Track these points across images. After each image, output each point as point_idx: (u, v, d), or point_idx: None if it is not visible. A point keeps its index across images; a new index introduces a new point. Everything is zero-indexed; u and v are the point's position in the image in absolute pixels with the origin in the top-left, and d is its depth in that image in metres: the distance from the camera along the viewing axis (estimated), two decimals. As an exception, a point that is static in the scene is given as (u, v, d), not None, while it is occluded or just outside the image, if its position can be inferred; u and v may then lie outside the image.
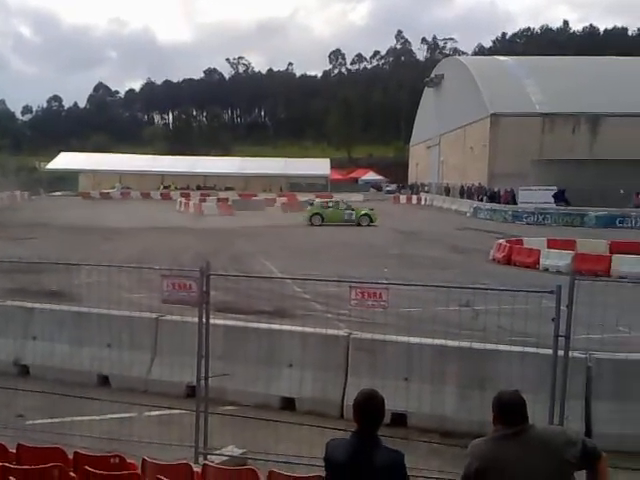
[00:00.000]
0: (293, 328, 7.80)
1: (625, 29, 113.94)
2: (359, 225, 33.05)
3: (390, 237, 27.20)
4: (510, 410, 3.14)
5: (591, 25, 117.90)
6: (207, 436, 5.63)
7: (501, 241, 21.70)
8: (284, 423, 6.34)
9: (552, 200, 38.64)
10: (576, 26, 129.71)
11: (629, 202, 37.12)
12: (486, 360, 6.83)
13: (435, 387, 6.67)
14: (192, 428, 5.65)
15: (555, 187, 38.90)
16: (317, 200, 39.89)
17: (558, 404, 5.25)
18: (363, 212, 34.70)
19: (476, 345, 7.36)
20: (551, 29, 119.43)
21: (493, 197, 44.06)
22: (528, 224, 35.19)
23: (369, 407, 3.21)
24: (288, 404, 7.15)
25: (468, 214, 42.12)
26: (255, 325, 8.22)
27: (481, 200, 45.15)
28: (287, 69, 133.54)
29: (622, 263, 17.63)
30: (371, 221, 33.81)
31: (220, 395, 6.71)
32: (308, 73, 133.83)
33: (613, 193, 36.37)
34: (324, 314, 11.11)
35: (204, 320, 5.74)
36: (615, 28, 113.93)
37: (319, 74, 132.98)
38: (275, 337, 7.56)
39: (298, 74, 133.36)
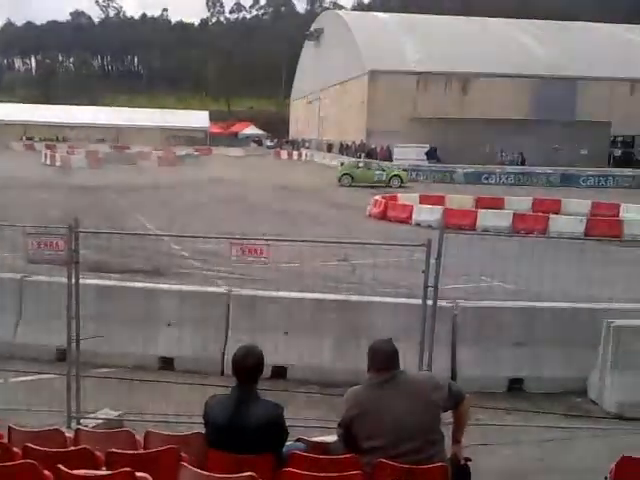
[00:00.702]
0: (170, 287, 7.64)
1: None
2: (389, 186, 31.11)
3: (271, 193, 27.17)
4: (382, 358, 3.30)
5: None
6: (79, 400, 5.42)
7: (377, 197, 22.41)
8: (163, 383, 6.25)
9: (425, 157, 40.31)
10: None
11: (494, 159, 39.62)
12: (362, 312, 7.08)
13: (314, 340, 6.84)
14: (63, 393, 5.40)
15: (428, 145, 40.56)
16: (350, 160, 37.46)
17: (427, 351, 5.58)
18: (394, 173, 32.98)
19: (352, 298, 7.64)
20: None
21: (370, 154, 45.17)
22: (401, 180, 36.57)
23: (246, 362, 3.24)
24: (167, 364, 7.03)
25: (348, 171, 42.97)
26: (130, 284, 7.96)
27: (359, 157, 46.17)
28: (162, 15, 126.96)
29: (486, 217, 18.88)
30: (402, 182, 32.05)
31: (94, 358, 6.44)
32: (185, 20, 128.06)
33: (481, 151, 38.65)
34: (203, 272, 10.98)
35: (73, 280, 5.44)
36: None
37: (196, 22, 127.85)
38: (152, 296, 7.35)
39: (174, 21, 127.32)
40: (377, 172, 32.83)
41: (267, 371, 6.11)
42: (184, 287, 7.45)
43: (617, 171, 37.07)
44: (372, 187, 29.96)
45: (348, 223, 18.76)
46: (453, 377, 6.55)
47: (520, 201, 23.51)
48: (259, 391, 3.28)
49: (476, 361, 6.76)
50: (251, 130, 78.72)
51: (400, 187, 31.33)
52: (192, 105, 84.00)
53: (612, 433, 5.63)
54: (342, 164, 35.50)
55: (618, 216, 20.61)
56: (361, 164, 34.40)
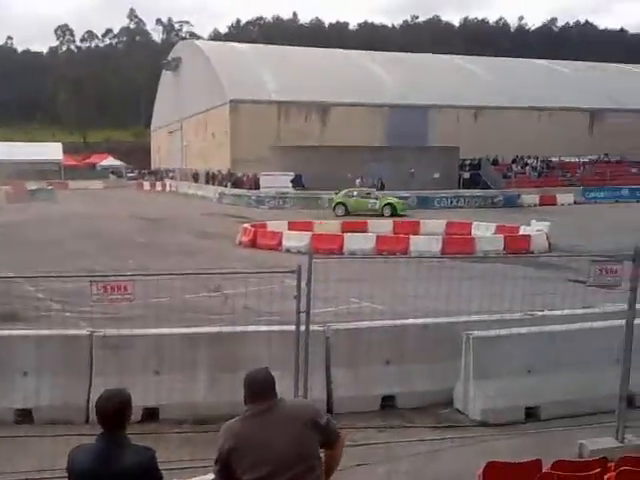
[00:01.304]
0: (26, 332, 7.06)
1: (347, 23, 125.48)
2: (382, 215, 29.43)
3: (135, 225, 26.20)
4: (258, 388, 3.25)
5: (317, 18, 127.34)
6: None
7: (246, 225, 22.38)
8: (21, 438, 5.74)
9: (290, 185, 41.03)
10: (304, 18, 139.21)
11: (355, 185, 41.13)
12: (236, 343, 6.97)
13: (186, 376, 6.61)
14: None
15: (292, 172, 41.35)
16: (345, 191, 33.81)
17: (302, 376, 5.61)
18: (387, 201, 31.35)
19: (225, 329, 7.51)
20: (282, 19, 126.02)
21: (237, 183, 45.16)
22: (270, 208, 36.88)
23: (109, 407, 3.05)
24: (25, 416, 6.45)
25: (213, 200, 42.60)
26: (-22, 333, 7.24)
27: (225, 186, 46.00)
28: (6, 43, 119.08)
29: (352, 241, 19.52)
30: (395, 211, 30.27)
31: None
32: (32, 49, 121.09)
33: (342, 177, 40.03)
34: (62, 313, 10.28)
35: None
36: (338, 23, 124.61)
37: (45, 51, 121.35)
38: (4, 344, 6.73)
39: (20, 49, 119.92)
40: (371, 201, 31.74)
41: (138, 414, 5.82)
42: (41, 332, 6.91)
43: (467, 192, 39.99)
44: (366, 215, 29.18)
45: (218, 253, 18.56)
46: (329, 399, 6.64)
47: (382, 224, 24.60)
48: (128, 436, 3.11)
49: (350, 382, 6.90)
50: (109, 161, 75.57)
51: (392, 216, 29.56)
52: (44, 137, 79.19)
53: (478, 440, 5.98)
54: (336, 193, 33.68)
55: (470, 234, 22.21)
56: (355, 193, 33.03)
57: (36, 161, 62.87)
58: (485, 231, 22.42)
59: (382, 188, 41.16)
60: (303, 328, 5.67)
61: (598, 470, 3.96)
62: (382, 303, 10.32)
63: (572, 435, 5.94)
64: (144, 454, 3.08)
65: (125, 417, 3.09)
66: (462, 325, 7.21)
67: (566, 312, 7.98)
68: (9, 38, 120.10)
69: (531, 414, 6.62)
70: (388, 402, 6.93)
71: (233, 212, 33.15)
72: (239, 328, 7.50)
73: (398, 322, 7.65)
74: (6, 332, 7.18)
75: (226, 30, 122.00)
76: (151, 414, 6.35)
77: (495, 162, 48.11)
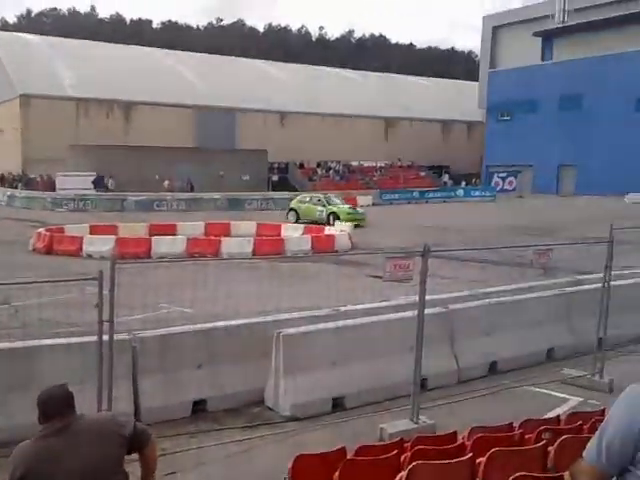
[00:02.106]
0: None
1: (150, 21, 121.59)
2: (329, 224, 25.97)
3: None
4: (52, 405, 3.00)
5: (118, 13, 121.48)
6: None
7: (41, 230, 20.62)
8: None
9: (92, 186, 38.74)
10: (104, 12, 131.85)
11: (163, 186, 40.09)
12: (29, 358, 6.36)
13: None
14: None
15: (95, 173, 39.08)
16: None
17: (106, 389, 5.30)
18: (332, 210, 27.92)
19: (16, 344, 6.82)
20: (79, 12, 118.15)
21: (30, 184, 41.46)
22: (69, 211, 34.51)
23: None
24: None
25: (3, 203, 38.82)
26: None
27: (16, 187, 42.00)
28: None
29: (161, 244, 18.96)
30: (339, 219, 26.37)
31: None
32: None
33: (150, 178, 38.72)
34: None
35: None
36: (140, 19, 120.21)
37: None
38: None
39: None
40: (318, 209, 28.76)
41: None
42: None
43: (277, 194, 41.02)
44: (314, 223, 26.58)
45: (8, 260, 16.79)
46: (137, 411, 6.36)
47: (193, 226, 24.22)
48: None
49: (159, 390, 6.67)
50: None
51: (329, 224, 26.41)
52: None
53: (288, 435, 6.14)
54: (291, 199, 31.05)
55: (280, 235, 22.82)
56: (307, 199, 30.17)
57: None
58: (294, 232, 23.19)
59: (192, 190, 40.65)
60: (106, 338, 5.35)
61: (396, 452, 4.25)
62: (193, 307, 10.15)
63: (374, 420, 6.36)
64: None
65: None
66: (273, 324, 7.35)
67: (367, 306, 8.55)
68: None
69: (337, 404, 6.96)
70: (199, 406, 6.83)
71: (26, 216, 30.34)
72: (33, 342, 6.86)
73: (209, 325, 7.54)
74: None
75: (15, 20, 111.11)
76: None
77: (302, 166, 50.04)
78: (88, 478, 2.91)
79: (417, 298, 6.43)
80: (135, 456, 3.22)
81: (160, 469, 4.40)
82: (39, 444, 2.95)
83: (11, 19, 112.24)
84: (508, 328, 8.54)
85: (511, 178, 51.87)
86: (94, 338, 5.41)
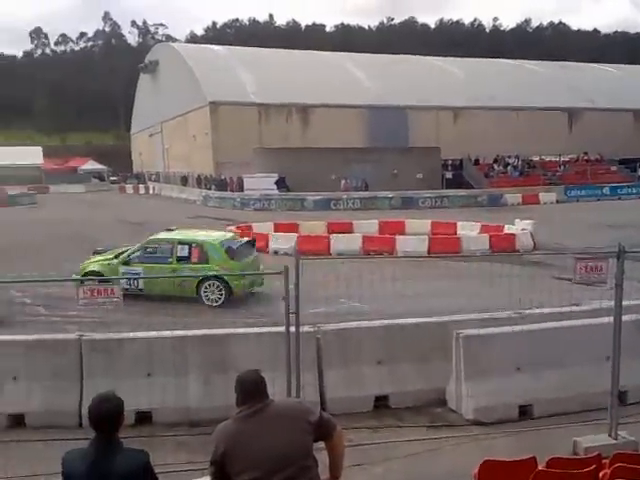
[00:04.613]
0: (14, 337, 6.96)
1: (324, 25, 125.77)
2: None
3: (118, 229, 25.93)
4: (250, 389, 3.25)
5: (294, 20, 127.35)
6: None
7: (232, 227, 22.27)
8: (14, 442, 5.66)
9: (275, 187, 40.93)
10: (281, 20, 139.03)
11: (339, 186, 41.22)
12: (226, 345, 6.94)
13: (179, 379, 6.57)
14: None
15: (276, 174, 41.27)
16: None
17: (294, 377, 5.59)
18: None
19: (214, 331, 7.47)
20: (258, 22, 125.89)
21: (221, 185, 44.99)
22: (255, 210, 36.74)
23: (103, 410, 3.03)
24: (17, 421, 6.36)
25: (198, 202, 42.36)
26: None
27: (209, 188, 45.76)
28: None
29: (339, 242, 19.51)
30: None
31: None
32: (6, 52, 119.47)
33: (326, 178, 40.03)
34: (50, 318, 10.16)
35: None
36: (315, 24, 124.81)
37: (19, 54, 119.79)
38: (-7, 350, 6.64)
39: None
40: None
41: (131, 417, 5.77)
42: (29, 336, 6.82)
43: (451, 192, 40.17)
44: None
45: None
46: (322, 400, 6.63)
47: (368, 224, 24.62)
48: (122, 440, 3.07)
49: (342, 383, 6.89)
50: (91, 165, 74.83)
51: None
52: (21, 141, 78.19)
53: (472, 438, 6.00)
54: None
55: (456, 234, 22.31)
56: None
57: (16, 165, 62.03)
58: (470, 230, 22.54)
59: (366, 189, 41.33)
60: (293, 329, 5.65)
61: (593, 467, 3.99)
62: (371, 303, 10.33)
63: (565, 432, 5.98)
64: (138, 457, 3.07)
65: (118, 421, 3.07)
66: (452, 324, 7.23)
67: (554, 310, 8.04)
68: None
69: (524, 412, 6.65)
70: (381, 402, 6.93)
71: (218, 214, 32.98)
72: (229, 330, 7.47)
73: (388, 322, 7.64)
74: (-7, 338, 7.08)
75: (202, 33, 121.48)
76: (144, 417, 6.30)
77: (477, 162, 48.48)
78: (279, 460, 3.11)
79: (612, 303, 5.92)
80: (322, 445, 3.35)
81: (347, 460, 4.55)
82: (237, 424, 3.22)
83: (199, 32, 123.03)
84: None
85: None
86: (282, 329, 5.72)
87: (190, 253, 12.50)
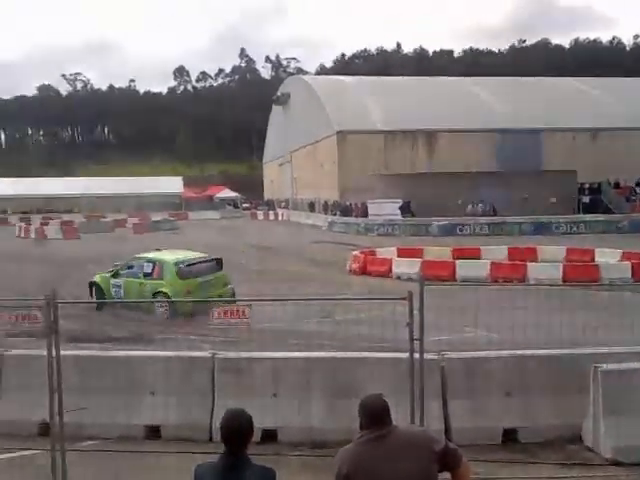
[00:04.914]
0: (153, 353, 7.48)
1: (451, 51, 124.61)
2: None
3: (249, 253, 27.12)
4: (374, 414, 3.24)
5: (421, 47, 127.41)
6: (66, 475, 5.19)
7: (356, 252, 22.49)
8: (149, 453, 6.05)
9: (399, 212, 40.87)
10: (407, 48, 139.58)
11: (465, 211, 40.31)
12: (349, 368, 6.99)
13: (303, 400, 6.71)
14: (48, 468, 5.18)
15: (401, 199, 41.21)
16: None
17: (418, 404, 5.50)
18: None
19: (339, 354, 7.55)
20: (386, 50, 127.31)
21: (346, 211, 45.71)
22: (379, 235, 36.87)
23: (235, 427, 3.15)
24: (153, 433, 6.81)
25: (324, 228, 43.30)
26: (111, 353, 7.77)
27: (334, 214, 46.62)
28: (129, 86, 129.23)
29: (464, 268, 19.01)
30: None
31: (78, 430, 6.23)
32: (153, 90, 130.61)
33: (452, 203, 39.32)
34: (186, 336, 10.80)
35: (54, 352, 5.31)
36: (442, 50, 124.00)
37: (164, 91, 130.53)
38: (134, 364, 7.17)
39: (141, 91, 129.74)
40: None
41: (257, 435, 5.95)
42: (167, 353, 7.30)
43: (588, 217, 37.85)
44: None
45: (329, 280, 18.74)
46: (446, 430, 6.46)
47: (496, 250, 23.79)
48: (250, 456, 3.19)
49: (468, 413, 6.67)
50: (225, 193, 79.23)
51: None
52: (165, 172, 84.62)
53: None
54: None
55: (594, 261, 20.93)
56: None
57: (158, 194, 67.19)
58: (610, 258, 21.03)
59: (494, 214, 40.08)
60: (417, 356, 5.57)
61: None
62: (499, 332, 9.91)
63: None
64: (266, 474, 3.16)
65: (248, 437, 3.18)
66: (588, 357, 6.79)
67: None
68: (131, 81, 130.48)
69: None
70: (509, 435, 6.62)
71: (342, 239, 33.45)
72: (353, 354, 7.52)
73: (518, 352, 7.31)
74: (135, 353, 7.65)
75: (331, 64, 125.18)
76: (269, 436, 6.48)
77: (617, 185, 45.30)
78: (404, 485, 3.06)
79: None
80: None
81: (473, 492, 4.39)
82: (361, 448, 3.21)
83: (328, 64, 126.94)
84: None
85: None
86: (405, 355, 5.66)
87: (153, 270, 14.16)
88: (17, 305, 6.12)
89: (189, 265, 14.36)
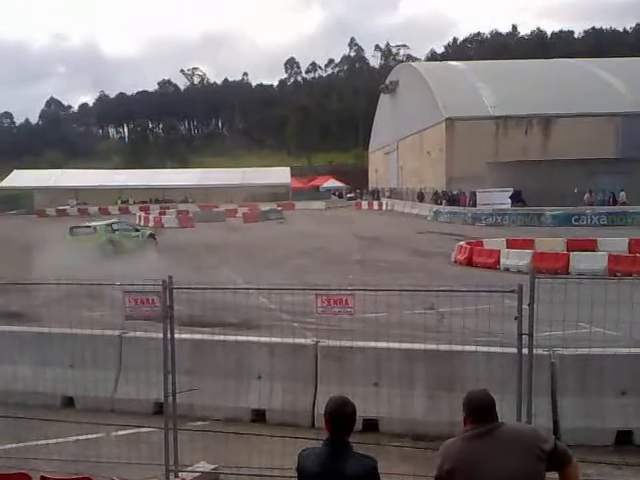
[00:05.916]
0: (260, 339, 7.74)
1: (572, 32, 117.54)
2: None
3: (353, 243, 27.30)
4: (480, 409, 3.16)
5: (539, 29, 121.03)
6: (177, 453, 5.53)
7: (462, 243, 21.98)
8: (255, 436, 6.28)
9: (509, 201, 39.38)
10: (524, 30, 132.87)
11: (582, 200, 38.11)
12: (453, 361, 6.89)
13: (404, 391, 6.69)
14: (161, 446, 5.54)
15: (511, 188, 39.68)
16: (100, 223, 26.22)
17: (525, 401, 5.32)
18: (149, 232, 28.58)
19: (442, 347, 7.43)
20: (500, 33, 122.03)
21: (453, 200, 44.70)
22: (487, 225, 35.80)
23: (339, 414, 3.19)
24: (259, 416, 7.08)
25: (429, 218, 42.63)
26: (222, 338, 8.13)
27: (440, 203, 45.75)
28: (242, 79, 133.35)
29: (580, 260, 18.03)
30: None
31: (189, 410, 6.60)
32: (264, 82, 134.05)
33: (567, 192, 37.31)
34: (291, 323, 11.06)
35: (169, 335, 5.65)
36: (562, 31, 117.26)
37: (275, 83, 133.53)
38: (243, 349, 7.49)
39: (254, 84, 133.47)
40: (134, 234, 26.70)
41: (358, 424, 6.02)
42: (273, 339, 7.53)
43: None
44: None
45: (433, 271, 18.49)
46: (556, 429, 6.20)
47: (614, 242, 22.33)
48: (351, 444, 3.23)
49: (579, 412, 6.37)
50: (331, 183, 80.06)
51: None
52: (273, 162, 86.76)
53: None
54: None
55: None
56: (115, 226, 26.31)
57: (267, 184, 69.05)
58: None
59: (614, 203, 37.68)
60: (526, 351, 5.38)
61: None
62: (617, 329, 9.34)
63: None
64: (367, 463, 3.17)
65: (352, 425, 3.21)
66: None
67: None
68: (245, 74, 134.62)
69: None
70: (624, 437, 6.25)
71: (448, 230, 32.81)
72: (457, 347, 7.38)
73: (636, 350, 6.87)
74: (244, 338, 7.96)
75: (442, 50, 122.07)
76: (370, 425, 6.53)
77: None
78: (510, 484, 2.98)
79: None
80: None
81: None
82: (465, 444, 3.15)
83: (439, 49, 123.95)
84: None
85: None
86: (513, 350, 5.49)
87: None
88: (137, 290, 6.52)
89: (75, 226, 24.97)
